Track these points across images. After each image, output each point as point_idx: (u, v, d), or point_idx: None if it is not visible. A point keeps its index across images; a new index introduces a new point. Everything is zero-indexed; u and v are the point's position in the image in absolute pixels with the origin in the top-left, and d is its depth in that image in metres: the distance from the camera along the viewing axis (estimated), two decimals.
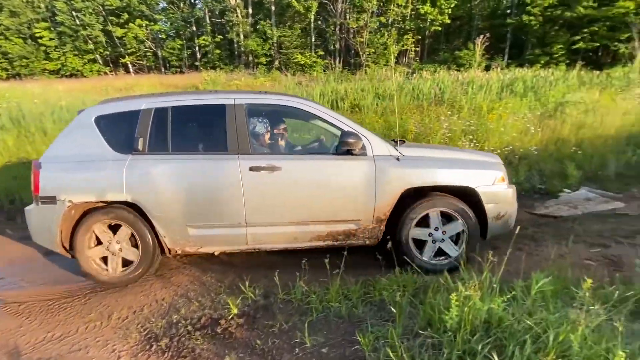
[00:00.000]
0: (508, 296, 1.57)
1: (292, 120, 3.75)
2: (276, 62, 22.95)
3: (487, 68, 12.40)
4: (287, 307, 2.06)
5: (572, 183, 5.11)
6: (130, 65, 25.67)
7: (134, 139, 2.61)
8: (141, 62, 26.00)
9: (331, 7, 21.39)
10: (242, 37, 23.18)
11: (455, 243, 2.79)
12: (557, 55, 17.86)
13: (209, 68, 21.64)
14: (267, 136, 3.07)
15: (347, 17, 20.83)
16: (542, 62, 17.46)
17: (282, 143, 3.22)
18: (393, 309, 1.70)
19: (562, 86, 9.35)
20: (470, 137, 5.52)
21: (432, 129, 5.67)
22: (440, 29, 21.02)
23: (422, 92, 8.69)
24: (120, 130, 2.74)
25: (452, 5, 19.75)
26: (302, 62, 21.65)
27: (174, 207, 2.59)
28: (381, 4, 20.95)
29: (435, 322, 1.57)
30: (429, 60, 20.98)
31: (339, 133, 2.73)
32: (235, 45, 24.23)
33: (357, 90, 9.35)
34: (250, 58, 23.86)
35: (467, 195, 2.76)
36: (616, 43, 17.21)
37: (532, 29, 17.94)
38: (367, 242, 2.81)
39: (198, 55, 25.29)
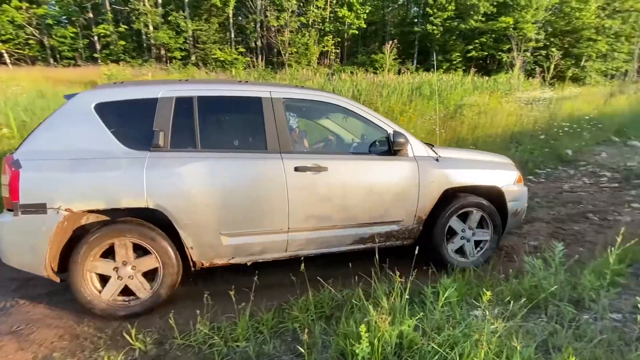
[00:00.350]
0: (418, 316, 1.52)
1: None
2: (193, 57, 21.34)
3: (400, 72, 13.36)
4: (185, 354, 1.74)
5: None
6: (6, 55, 21.12)
7: (150, 132, 2.14)
8: (22, 51, 21.59)
9: (250, 3, 20.72)
10: (151, 28, 20.95)
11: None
12: (455, 62, 20.24)
13: (109, 61, 19.01)
14: (297, 133, 2.78)
15: (268, 14, 20.42)
16: (444, 67, 19.61)
17: (306, 142, 2.99)
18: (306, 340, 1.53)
19: (460, 90, 10.54)
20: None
21: None
22: (357, 32, 22.02)
23: (342, 94, 8.90)
24: (130, 122, 2.26)
25: (367, 11, 20.85)
26: (221, 59, 20.53)
27: (206, 213, 2.20)
28: (301, 4, 21.04)
29: (348, 354, 1.44)
30: (348, 62, 21.83)
31: (377, 132, 2.61)
32: (144, 36, 21.80)
33: None
34: (163, 52, 21.74)
35: (491, 194, 2.83)
36: (500, 53, 20.23)
37: (435, 38, 19.98)
38: (405, 243, 2.74)
39: (97, 46, 22.07)
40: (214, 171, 2.23)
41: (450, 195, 2.72)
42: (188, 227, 2.17)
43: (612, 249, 2.00)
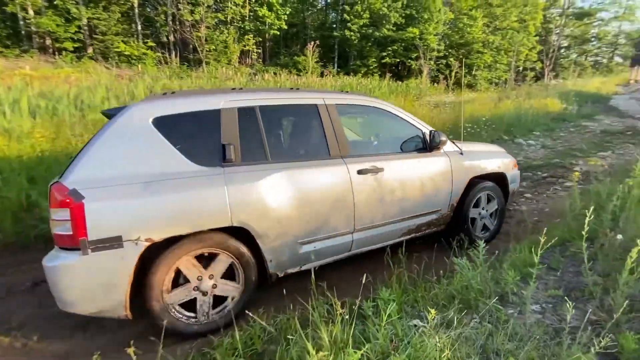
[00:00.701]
0: (363, 349, 1.35)
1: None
2: (90, 50, 18.45)
3: (322, 74, 13.57)
4: None
5: None
6: None
7: (215, 146, 2.07)
8: None
9: None
10: (31, 12, 17.44)
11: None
12: (372, 67, 21.52)
13: None
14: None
15: (181, 8, 18.79)
16: (362, 72, 20.68)
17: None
18: None
19: (378, 93, 11.15)
20: None
21: None
22: (279, 33, 21.80)
23: None
24: (193, 136, 2.09)
25: (288, 12, 20.77)
26: (127, 53, 18.19)
27: (286, 224, 2.21)
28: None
29: None
30: (271, 63, 21.48)
31: (414, 132, 2.86)
32: (22, 22, 18.05)
33: (195, 89, 8.36)
34: (49, 41, 18.33)
35: (497, 179, 3.32)
36: (409, 60, 22.17)
37: (353, 43, 20.92)
38: (439, 229, 3.10)
39: None
40: (289, 182, 2.22)
41: (472, 183, 3.12)
42: (269, 240, 2.16)
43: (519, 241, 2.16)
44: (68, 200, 1.67)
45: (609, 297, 1.76)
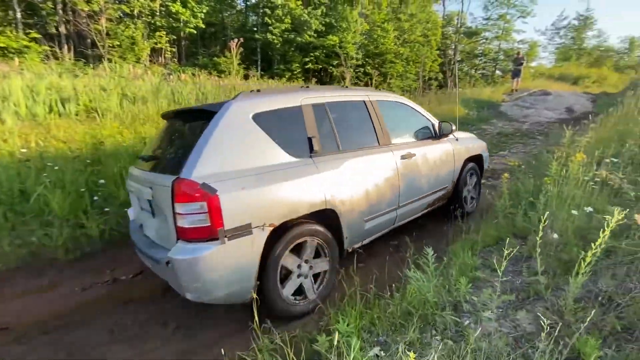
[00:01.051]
0: None
1: None
2: None
3: (246, 77, 12.96)
4: None
5: None
6: None
7: (299, 138, 2.32)
8: None
9: None
10: None
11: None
12: (296, 71, 21.56)
13: None
14: None
15: None
16: (287, 76, 20.55)
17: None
18: None
19: None
20: None
21: None
22: (195, 32, 20.32)
23: (183, 96, 7.69)
24: (283, 130, 2.28)
25: (204, 11, 19.49)
26: (1, 45, 14.78)
27: (358, 204, 2.56)
28: None
29: None
30: (189, 63, 19.88)
31: (426, 123, 3.47)
32: None
33: (94, 89, 7.05)
34: None
35: (478, 159, 4.11)
36: (331, 67, 22.84)
37: (276, 47, 20.66)
38: (443, 203, 3.71)
39: None
40: (357, 167, 2.58)
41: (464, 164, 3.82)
42: (347, 219, 2.47)
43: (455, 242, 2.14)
44: (202, 194, 1.77)
45: (555, 298, 1.81)
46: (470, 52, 32.75)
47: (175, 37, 20.47)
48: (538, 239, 2.32)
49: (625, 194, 2.23)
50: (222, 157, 1.95)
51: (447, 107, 10.87)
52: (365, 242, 2.84)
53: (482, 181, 4.97)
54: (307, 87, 2.75)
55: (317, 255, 2.39)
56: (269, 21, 19.81)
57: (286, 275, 2.24)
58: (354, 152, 2.63)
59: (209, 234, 1.80)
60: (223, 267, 1.85)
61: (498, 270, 2.33)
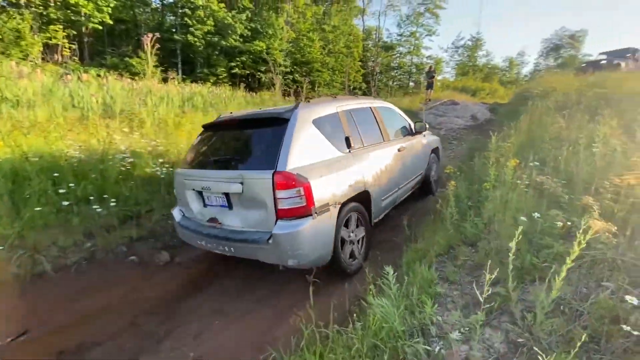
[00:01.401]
0: None
1: None
2: None
3: (165, 80, 11.72)
4: None
5: None
6: None
7: (338, 137, 2.94)
8: None
9: None
10: None
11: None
12: (222, 76, 20.50)
13: None
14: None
15: None
16: (212, 81, 19.39)
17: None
18: None
19: (233, 104, 10.45)
20: (161, 159, 4.46)
21: (105, 154, 4.04)
22: (101, 28, 17.85)
23: (85, 100, 6.47)
24: (330, 130, 2.89)
25: (112, 5, 17.26)
26: None
27: (379, 187, 3.28)
28: None
29: None
30: (95, 63, 17.35)
31: (404, 122, 4.42)
32: None
33: None
34: None
35: (435, 151, 5.07)
36: (259, 73, 22.33)
37: (198, 50, 19.37)
38: (419, 186, 4.59)
39: None
40: (376, 157, 3.36)
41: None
42: (374, 198, 3.17)
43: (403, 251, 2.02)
44: (298, 182, 2.33)
45: (518, 310, 1.76)
46: (387, 65, 35.34)
47: (75, 33, 17.70)
48: (484, 245, 2.30)
49: (560, 197, 2.39)
50: (300, 153, 2.50)
51: None
52: (380, 217, 3.48)
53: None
54: (335, 96, 3.50)
55: (356, 226, 2.99)
56: (190, 22, 18.48)
57: (342, 243, 2.80)
58: (372, 146, 3.39)
59: (304, 212, 2.37)
60: (314, 236, 2.43)
61: (454, 282, 2.28)
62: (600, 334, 1.51)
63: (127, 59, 16.88)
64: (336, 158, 2.79)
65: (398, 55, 35.96)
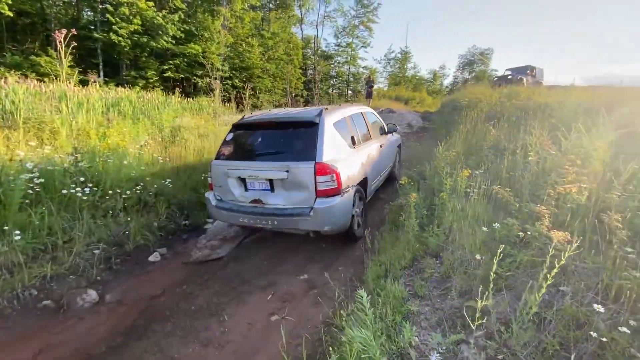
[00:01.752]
0: None
1: None
2: None
3: (84, 83, 10.31)
4: None
5: None
6: None
7: (349, 136, 3.83)
8: None
9: None
10: None
11: None
12: (152, 80, 18.87)
13: None
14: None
15: None
16: (140, 84, 17.73)
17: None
18: None
19: (169, 110, 9.59)
20: (82, 178, 3.79)
21: (4, 174, 3.27)
22: None
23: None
24: (342, 131, 3.73)
25: None
26: None
27: (371, 175, 4.16)
28: None
29: None
30: None
31: (380, 123, 5.38)
32: None
33: None
34: None
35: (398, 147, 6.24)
36: (195, 77, 21.08)
37: (124, 50, 17.57)
38: (388, 177, 5.44)
39: None
40: (369, 151, 4.23)
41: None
42: (369, 183, 4.09)
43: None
44: (332, 170, 3.16)
45: (490, 322, 1.77)
46: (327, 74, 36.19)
47: None
48: (448, 256, 2.32)
49: (512, 205, 2.54)
50: (328, 149, 3.27)
51: None
52: (369, 198, 4.32)
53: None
54: (341, 105, 4.44)
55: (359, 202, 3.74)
56: (113, 20, 16.68)
57: (352, 216, 3.48)
58: (365, 143, 4.26)
59: (335, 192, 3.17)
60: (341, 209, 3.23)
61: (424, 297, 2.25)
62: (569, 341, 1.56)
63: (33, 57, 14.57)
64: (349, 152, 3.64)
65: (336, 64, 37.04)
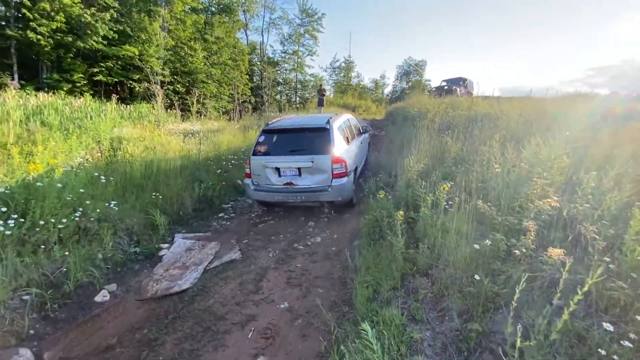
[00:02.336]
0: None
1: None
2: None
3: None
4: None
5: (165, 233, 4.49)
6: None
7: (346, 137, 5.37)
8: None
9: None
10: None
11: None
12: (80, 84, 16.85)
13: None
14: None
15: None
16: (66, 89, 15.73)
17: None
18: None
19: (106, 119, 8.56)
20: (4, 208, 3.08)
21: None
22: None
23: None
24: (342, 133, 5.29)
25: None
26: None
27: (359, 164, 5.78)
28: None
29: None
30: None
31: (359, 125, 7.21)
32: None
33: None
34: None
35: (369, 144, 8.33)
36: (131, 81, 19.32)
37: (44, 50, 15.44)
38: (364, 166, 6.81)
39: None
40: (356, 145, 5.78)
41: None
42: (359, 168, 5.69)
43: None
44: (342, 160, 4.65)
45: (495, 345, 1.74)
46: (274, 80, 35.88)
47: None
48: (438, 273, 2.29)
49: (494, 220, 2.61)
50: (337, 146, 4.78)
51: None
52: (358, 179, 5.70)
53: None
54: (337, 114, 6.22)
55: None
56: (30, 15, 14.56)
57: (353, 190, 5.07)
58: (353, 140, 5.72)
59: (344, 174, 4.68)
60: (348, 186, 4.76)
61: (422, 320, 2.17)
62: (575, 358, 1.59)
63: None
64: (346, 148, 5.07)
65: (284, 71, 36.93)
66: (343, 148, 4.88)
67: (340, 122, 5.40)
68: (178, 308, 2.89)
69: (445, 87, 21.72)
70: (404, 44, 67.90)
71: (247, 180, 5.08)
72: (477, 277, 2.02)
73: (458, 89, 21.15)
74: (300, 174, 4.73)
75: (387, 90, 45.25)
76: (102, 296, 3.09)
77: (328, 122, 4.92)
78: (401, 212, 2.57)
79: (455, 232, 2.51)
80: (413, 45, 71.15)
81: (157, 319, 2.77)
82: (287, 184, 4.77)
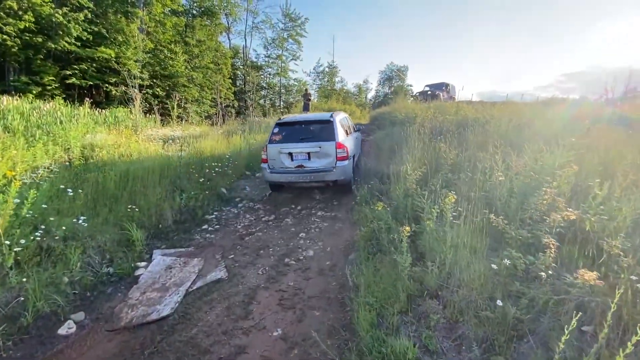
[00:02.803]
0: None
1: None
2: None
3: None
4: None
5: (142, 249, 4.10)
6: None
7: (345, 129, 6.42)
8: None
9: None
10: None
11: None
12: (51, 87, 15.96)
13: None
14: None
15: None
16: (35, 92, 14.86)
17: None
18: None
19: (78, 125, 8.00)
20: None
21: None
22: None
23: None
24: (343, 125, 6.35)
25: None
26: None
27: (356, 153, 6.86)
28: None
29: None
30: None
31: (352, 123, 8.17)
32: None
33: None
34: None
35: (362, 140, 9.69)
36: (107, 85, 18.50)
37: (11, 51, 14.53)
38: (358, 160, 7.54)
39: None
40: (353, 139, 6.83)
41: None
42: (356, 155, 6.85)
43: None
44: (344, 146, 5.64)
45: None
46: (258, 85, 35.46)
47: None
48: (449, 295, 2.07)
49: (507, 234, 2.42)
50: (339, 135, 5.74)
51: (261, 136, 10.78)
52: (357, 166, 6.80)
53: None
54: (338, 112, 6.97)
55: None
56: None
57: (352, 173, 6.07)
58: (350, 134, 6.64)
59: (346, 158, 5.62)
60: (349, 168, 5.74)
61: (437, 351, 1.94)
62: None
63: None
64: (346, 138, 5.92)
65: (267, 75, 36.59)
66: (344, 137, 5.88)
67: (341, 117, 6.49)
68: (156, 340, 2.54)
69: (429, 92, 22.00)
70: (387, 50, 68.98)
71: (264, 165, 6.00)
72: (499, 302, 1.81)
73: (441, 94, 21.46)
74: (309, 158, 5.66)
75: (370, 95, 45.64)
76: (67, 328, 2.70)
77: (332, 116, 5.96)
78: (407, 228, 2.35)
79: (466, 248, 2.30)
80: (395, 51, 72.40)
81: (132, 353, 2.42)
82: (299, 166, 5.70)
